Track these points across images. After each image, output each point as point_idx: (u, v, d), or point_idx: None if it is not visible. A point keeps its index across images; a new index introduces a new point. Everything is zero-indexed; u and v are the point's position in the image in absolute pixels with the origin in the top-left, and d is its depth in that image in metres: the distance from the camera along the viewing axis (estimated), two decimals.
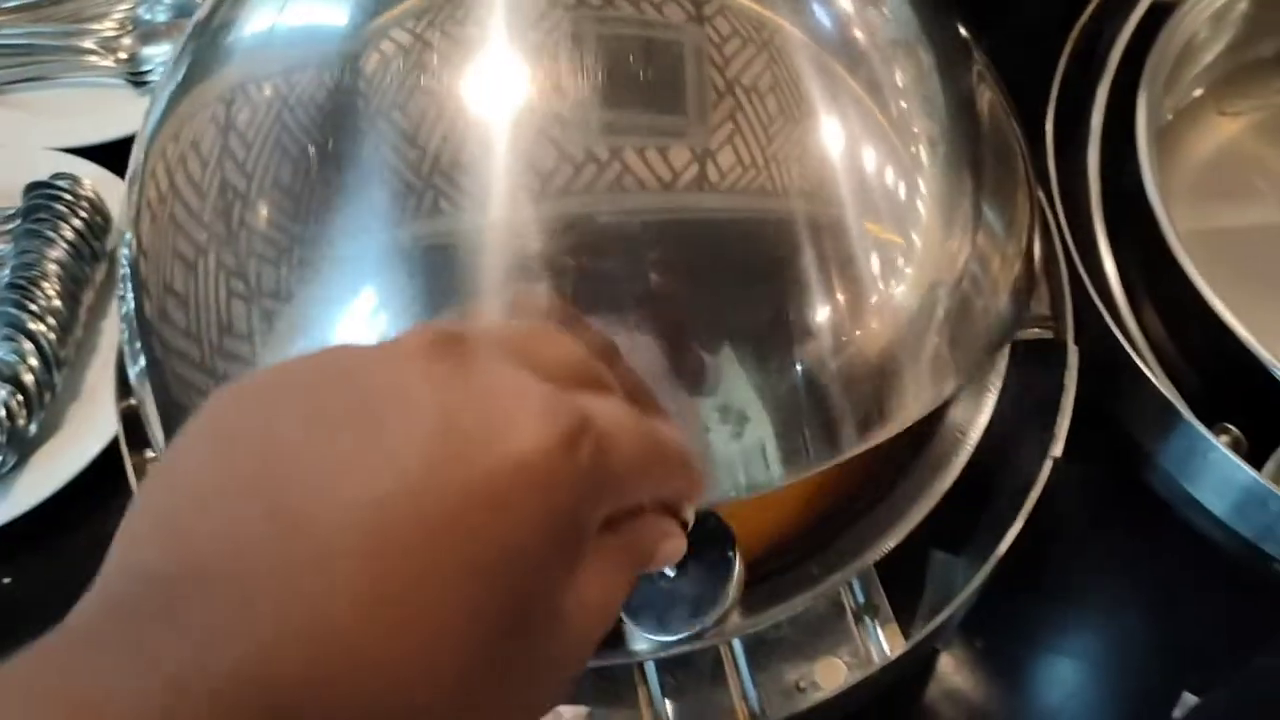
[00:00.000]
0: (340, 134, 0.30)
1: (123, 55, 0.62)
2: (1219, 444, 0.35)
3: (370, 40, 0.30)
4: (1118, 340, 0.37)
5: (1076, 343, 0.37)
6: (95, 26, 0.63)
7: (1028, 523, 0.44)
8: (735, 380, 0.29)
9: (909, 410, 0.31)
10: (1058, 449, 0.35)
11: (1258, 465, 0.36)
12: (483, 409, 0.19)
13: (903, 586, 0.38)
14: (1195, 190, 0.47)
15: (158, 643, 0.16)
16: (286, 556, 0.17)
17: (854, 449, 0.30)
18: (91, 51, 0.62)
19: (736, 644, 0.34)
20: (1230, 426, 0.36)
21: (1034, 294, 0.36)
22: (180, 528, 0.18)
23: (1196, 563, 0.43)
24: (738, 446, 0.29)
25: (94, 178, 0.54)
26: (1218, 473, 0.36)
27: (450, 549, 0.18)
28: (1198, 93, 0.48)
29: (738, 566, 0.27)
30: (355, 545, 0.18)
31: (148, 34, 0.63)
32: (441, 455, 0.18)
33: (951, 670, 0.49)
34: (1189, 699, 0.45)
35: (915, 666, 0.48)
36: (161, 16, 0.64)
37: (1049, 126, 0.41)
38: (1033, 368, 0.39)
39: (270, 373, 0.20)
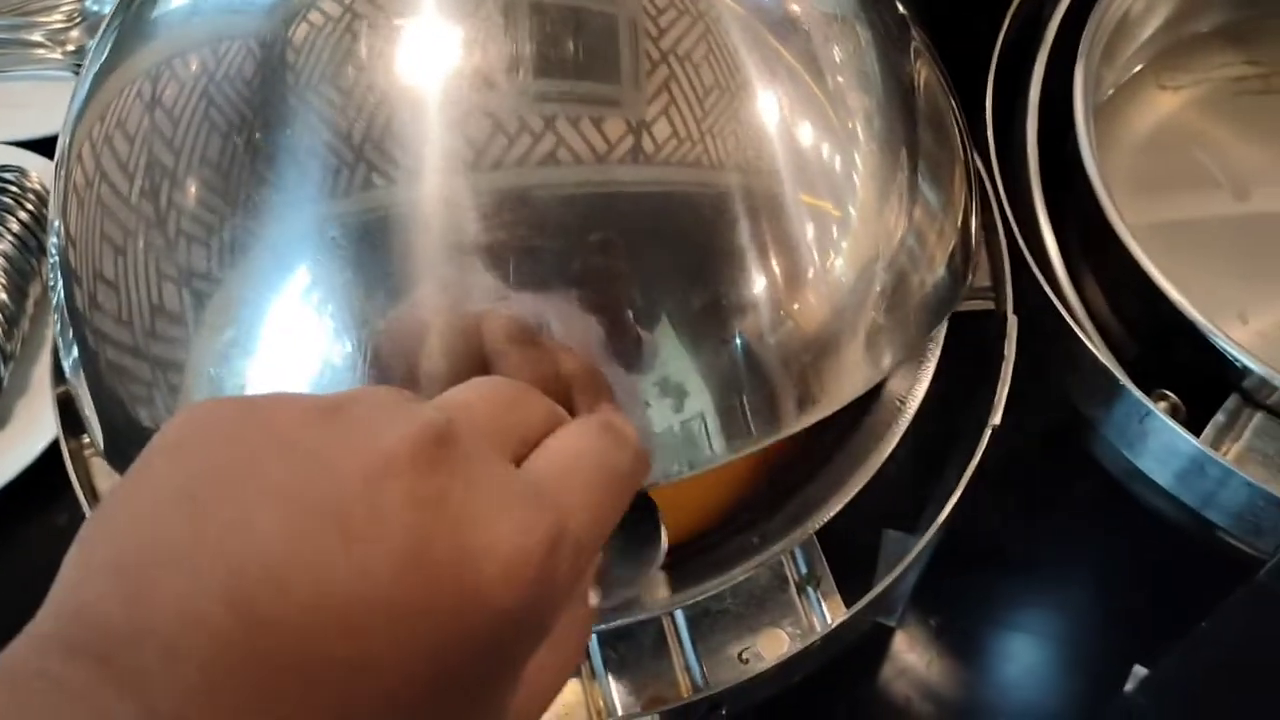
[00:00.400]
0: (269, 108, 0.29)
1: (70, 48, 0.62)
2: (1157, 410, 0.35)
3: (299, 10, 0.29)
4: (1057, 310, 0.37)
5: (1016, 313, 0.37)
6: (43, 19, 0.63)
7: (979, 497, 0.45)
8: (673, 354, 0.29)
9: (849, 385, 0.31)
10: (996, 417, 0.35)
11: (1197, 431, 0.36)
12: (458, 543, 0.19)
13: (858, 564, 0.38)
14: (1136, 162, 0.47)
15: (118, 710, 0.17)
16: (252, 653, 0.18)
17: (795, 425, 0.30)
18: (39, 44, 0.62)
19: (679, 616, 0.34)
20: (1168, 393, 0.37)
21: (972, 267, 0.36)
22: (145, 589, 0.18)
23: (1144, 532, 0.43)
24: (678, 422, 0.29)
25: (41, 170, 0.54)
26: (1157, 440, 0.36)
27: (416, 672, 0.19)
28: (1138, 68, 0.49)
29: (663, 539, 0.27)
30: (331, 654, 0.18)
31: (95, 26, 0.62)
32: (413, 582, 0.19)
33: (906, 648, 0.50)
34: (1139, 671, 0.45)
35: (865, 642, 0.49)
36: (109, 7, 0.63)
37: (988, 100, 0.41)
38: (976, 338, 0.39)
39: (247, 419, 0.21)
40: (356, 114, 0.28)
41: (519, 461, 0.22)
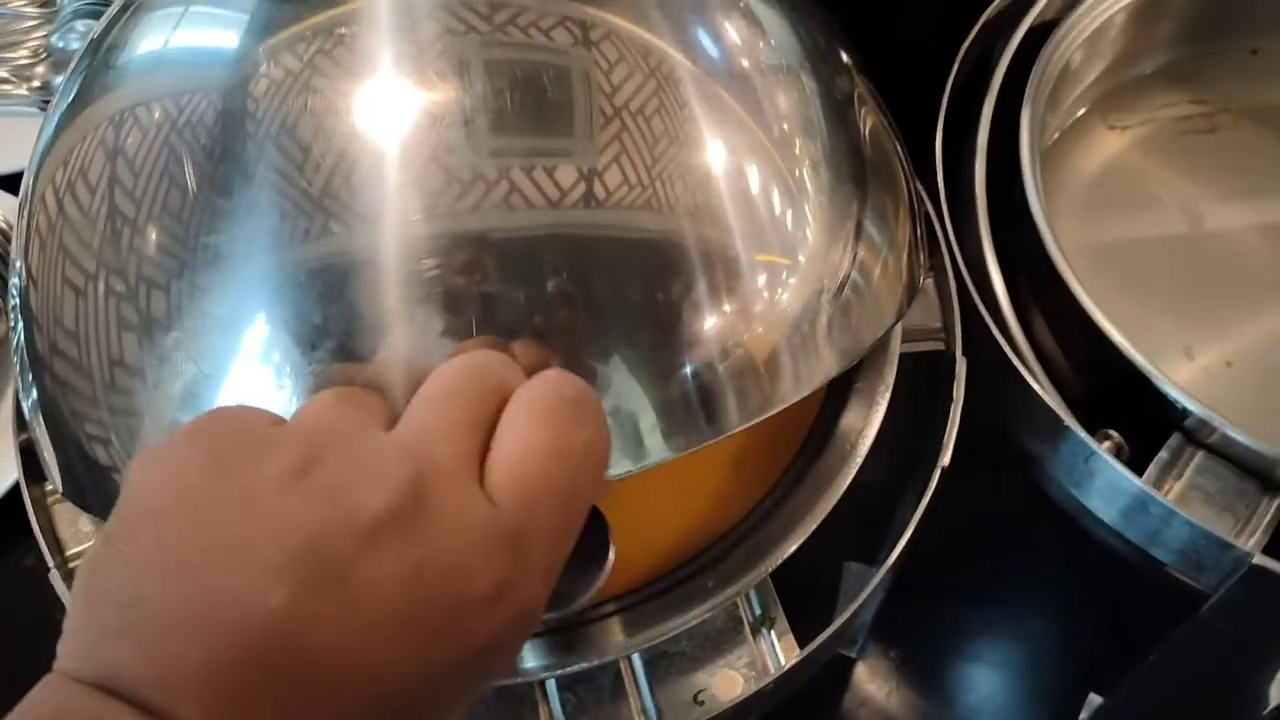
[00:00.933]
0: (229, 159, 0.30)
1: (36, 84, 0.62)
2: (1101, 450, 0.36)
3: (259, 64, 0.30)
4: (1003, 350, 0.38)
5: (965, 354, 0.38)
6: (8, 55, 0.63)
7: (936, 532, 0.46)
8: (626, 386, 0.30)
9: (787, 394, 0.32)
10: (946, 458, 0.36)
11: (1141, 470, 0.37)
12: (445, 594, 0.22)
13: (814, 602, 0.39)
14: (1084, 203, 0.48)
15: None
16: (277, 706, 0.20)
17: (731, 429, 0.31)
18: (4, 80, 0.62)
19: (636, 659, 0.34)
20: (1112, 433, 0.38)
21: (914, 299, 0.37)
22: (172, 657, 0.20)
23: (1096, 566, 0.44)
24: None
25: (6, 208, 0.54)
26: (1103, 479, 0.37)
27: (416, 707, 0.22)
28: (1081, 111, 0.50)
29: (611, 554, 0.28)
30: (347, 708, 0.21)
31: (61, 62, 0.62)
32: (410, 636, 0.21)
33: (867, 679, 0.50)
34: (1094, 700, 0.46)
35: (827, 673, 0.49)
36: (75, 44, 0.63)
37: (938, 144, 0.42)
38: (928, 378, 0.40)
39: (223, 485, 0.22)
40: (314, 166, 0.29)
41: (484, 454, 0.24)
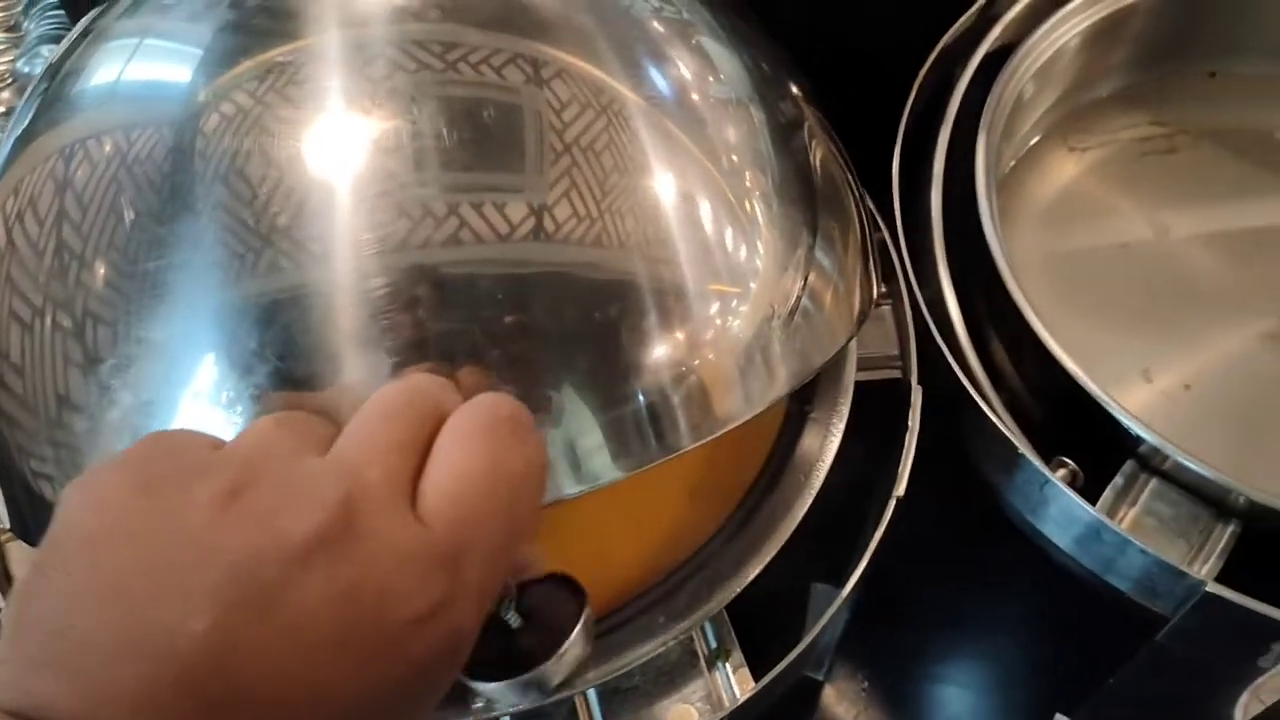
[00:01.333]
0: (179, 195, 0.30)
1: (1, 109, 0.62)
2: (1055, 479, 0.36)
3: (211, 100, 0.30)
4: (958, 377, 0.38)
5: (921, 383, 0.38)
6: None
7: (902, 555, 0.46)
8: (575, 416, 0.30)
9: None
10: (900, 488, 0.36)
11: (1096, 496, 0.37)
12: (378, 616, 0.22)
13: (781, 625, 0.39)
14: (1044, 225, 0.49)
15: None
16: None
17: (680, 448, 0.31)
18: None
19: (591, 695, 0.34)
20: (1067, 460, 0.38)
21: (864, 323, 0.37)
22: (101, 684, 0.20)
23: (1057, 590, 0.44)
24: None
25: None
26: (1057, 506, 0.37)
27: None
28: (1041, 134, 0.50)
29: (581, 621, 0.28)
30: None
31: (26, 88, 0.62)
32: (343, 659, 0.22)
33: (834, 702, 0.50)
34: None
35: (794, 696, 0.49)
36: (41, 70, 0.63)
37: (895, 171, 0.42)
38: (888, 405, 0.40)
39: (154, 511, 0.22)
40: (263, 201, 0.29)
41: (419, 476, 0.24)
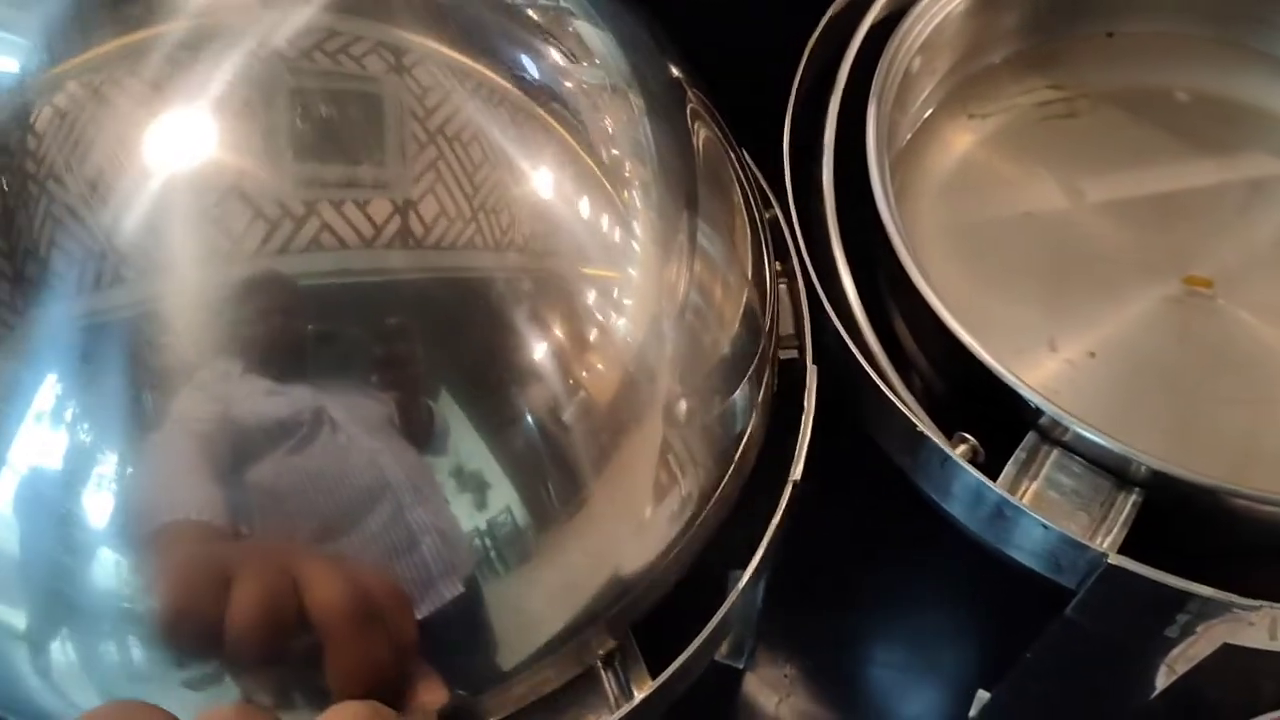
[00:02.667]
0: (8, 198, 0.28)
1: None
2: (954, 455, 0.35)
3: (42, 93, 0.28)
4: (853, 354, 0.37)
5: (816, 362, 0.37)
6: None
7: (817, 541, 0.45)
8: (466, 441, 0.28)
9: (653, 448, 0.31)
10: (796, 472, 0.35)
11: (997, 471, 0.36)
12: None
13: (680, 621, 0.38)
14: (945, 195, 0.48)
15: None
16: None
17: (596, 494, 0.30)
18: None
19: None
20: (967, 436, 0.37)
21: (769, 318, 0.36)
22: None
23: (969, 567, 0.43)
24: (483, 518, 0.29)
25: None
26: (958, 483, 0.36)
27: None
28: (932, 110, 0.49)
29: None
30: None
31: None
32: None
33: (756, 689, 0.50)
34: (983, 696, 0.46)
35: (714, 685, 0.48)
36: None
37: (785, 151, 0.41)
38: (790, 385, 0.39)
39: None
40: (104, 205, 0.27)
41: None
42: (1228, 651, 0.36)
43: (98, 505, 0.27)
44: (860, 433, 0.40)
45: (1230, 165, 0.48)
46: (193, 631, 0.27)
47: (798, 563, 0.47)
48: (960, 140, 0.49)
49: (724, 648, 0.48)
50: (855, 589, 0.49)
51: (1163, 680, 0.38)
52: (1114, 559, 0.33)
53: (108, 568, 0.27)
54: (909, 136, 0.48)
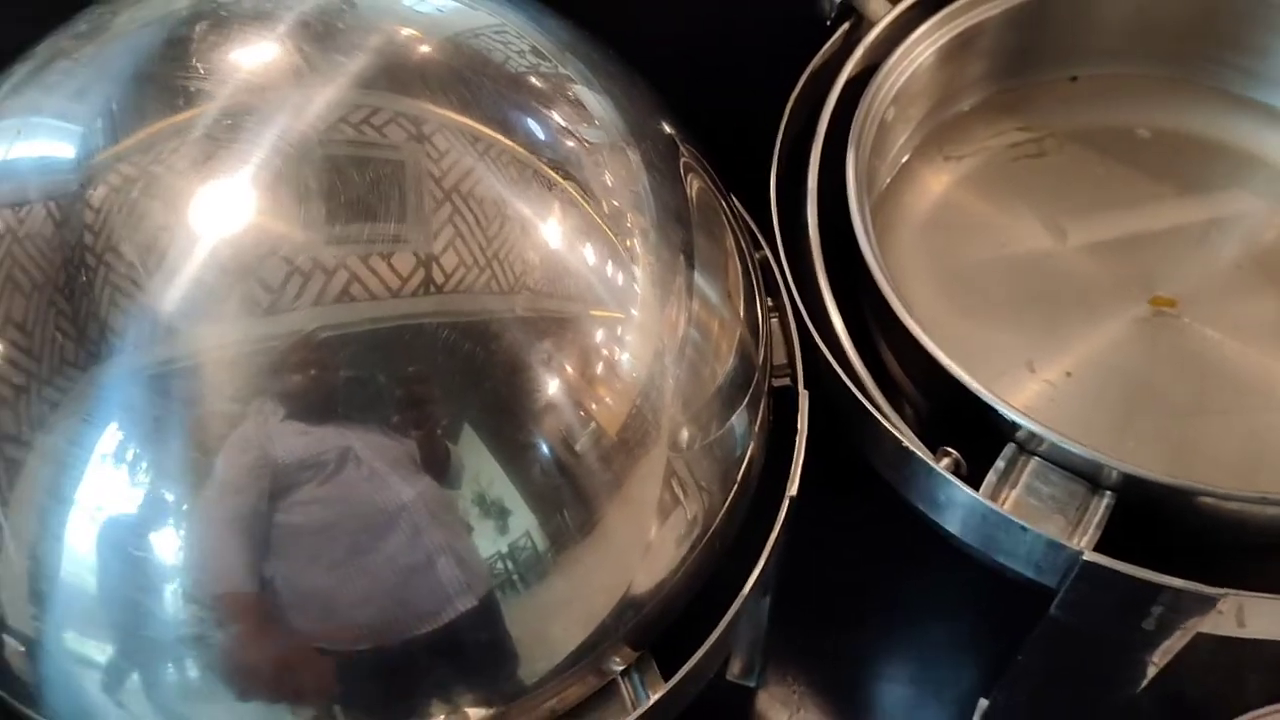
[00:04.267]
0: (70, 267, 0.31)
1: None
2: (939, 468, 0.38)
3: (97, 173, 0.31)
4: (840, 378, 0.40)
5: (811, 387, 0.40)
6: None
7: (819, 559, 0.47)
8: (486, 471, 0.31)
9: (654, 470, 0.34)
10: (793, 488, 0.38)
11: (980, 483, 0.39)
12: None
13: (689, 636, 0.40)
14: (926, 232, 0.51)
15: None
16: None
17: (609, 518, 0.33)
18: None
19: None
20: (950, 450, 0.40)
21: (763, 350, 0.39)
22: None
23: (962, 576, 0.46)
24: (505, 542, 0.32)
25: None
26: (944, 495, 0.39)
27: None
28: (909, 154, 0.53)
29: None
30: None
31: None
32: None
33: (768, 706, 0.52)
34: (984, 704, 0.48)
35: (728, 705, 0.51)
36: None
37: (772, 193, 0.45)
38: (785, 412, 0.42)
39: None
40: (154, 268, 0.30)
41: None
42: (1211, 648, 0.38)
43: (159, 547, 0.30)
44: (854, 455, 0.43)
45: (1189, 194, 0.51)
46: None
47: (803, 582, 0.50)
48: (938, 181, 0.53)
49: (735, 667, 0.50)
50: (857, 606, 0.52)
51: (1146, 674, 0.40)
52: (1089, 556, 0.36)
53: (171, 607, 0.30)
54: (889, 179, 0.52)
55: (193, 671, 0.31)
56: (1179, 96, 0.54)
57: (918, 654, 0.52)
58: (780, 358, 0.42)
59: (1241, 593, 0.35)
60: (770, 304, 0.43)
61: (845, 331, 0.42)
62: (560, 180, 0.35)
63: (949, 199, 0.52)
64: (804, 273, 0.43)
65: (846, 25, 0.50)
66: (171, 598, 0.30)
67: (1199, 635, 0.38)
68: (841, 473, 0.43)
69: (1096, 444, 0.38)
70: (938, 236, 0.51)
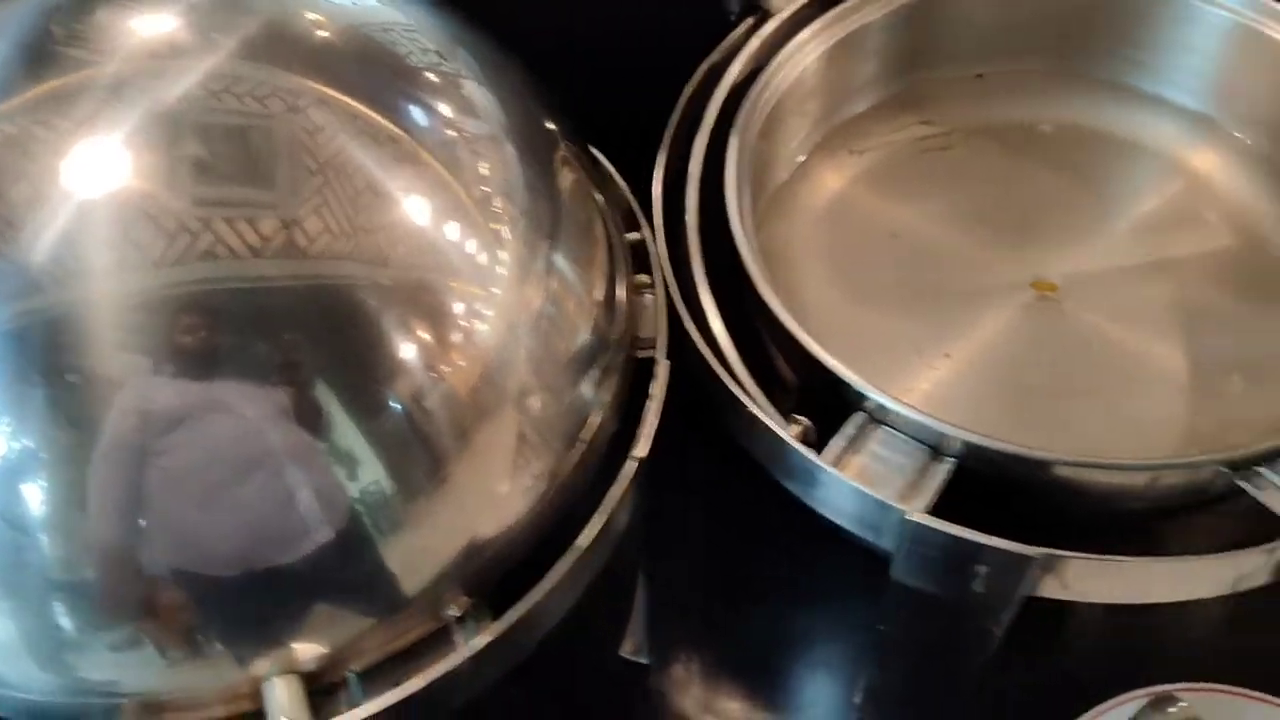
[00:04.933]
0: None
1: None
2: (782, 432, 0.40)
3: None
4: (703, 354, 0.42)
5: (672, 359, 0.42)
6: None
7: (710, 540, 0.49)
8: (341, 425, 0.34)
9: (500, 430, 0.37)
10: (639, 449, 0.39)
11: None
12: None
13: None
14: (826, 225, 0.53)
15: None
16: None
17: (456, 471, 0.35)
18: None
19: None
20: (800, 418, 0.41)
21: (615, 323, 0.41)
22: None
23: (836, 552, 0.47)
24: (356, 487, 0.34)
25: None
26: (791, 462, 0.40)
27: None
28: (808, 152, 0.55)
29: None
30: None
31: None
32: None
33: (663, 684, 0.53)
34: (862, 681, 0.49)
35: (621, 683, 0.52)
36: None
37: (656, 181, 0.47)
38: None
39: None
40: (23, 224, 0.33)
41: None
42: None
43: (29, 497, 0.32)
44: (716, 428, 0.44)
45: (1080, 184, 0.53)
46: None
47: (691, 561, 0.52)
48: (840, 175, 0.54)
49: (627, 645, 0.52)
50: (745, 584, 0.53)
51: (991, 642, 0.41)
52: (912, 515, 0.38)
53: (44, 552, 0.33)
54: (790, 173, 0.54)
55: (69, 618, 0.34)
56: (1078, 91, 0.55)
57: (804, 630, 0.53)
58: (650, 331, 0.44)
59: (1056, 551, 0.37)
60: (646, 281, 0.45)
61: (715, 309, 0.44)
62: (434, 163, 0.37)
63: (850, 192, 0.54)
64: (681, 255, 0.45)
65: (751, 20, 0.52)
66: (43, 546, 0.33)
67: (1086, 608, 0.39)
68: (720, 451, 0.45)
69: (976, 421, 0.40)
70: (836, 228, 0.53)
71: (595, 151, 0.48)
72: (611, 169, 0.48)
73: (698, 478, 0.49)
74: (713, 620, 0.53)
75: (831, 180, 0.54)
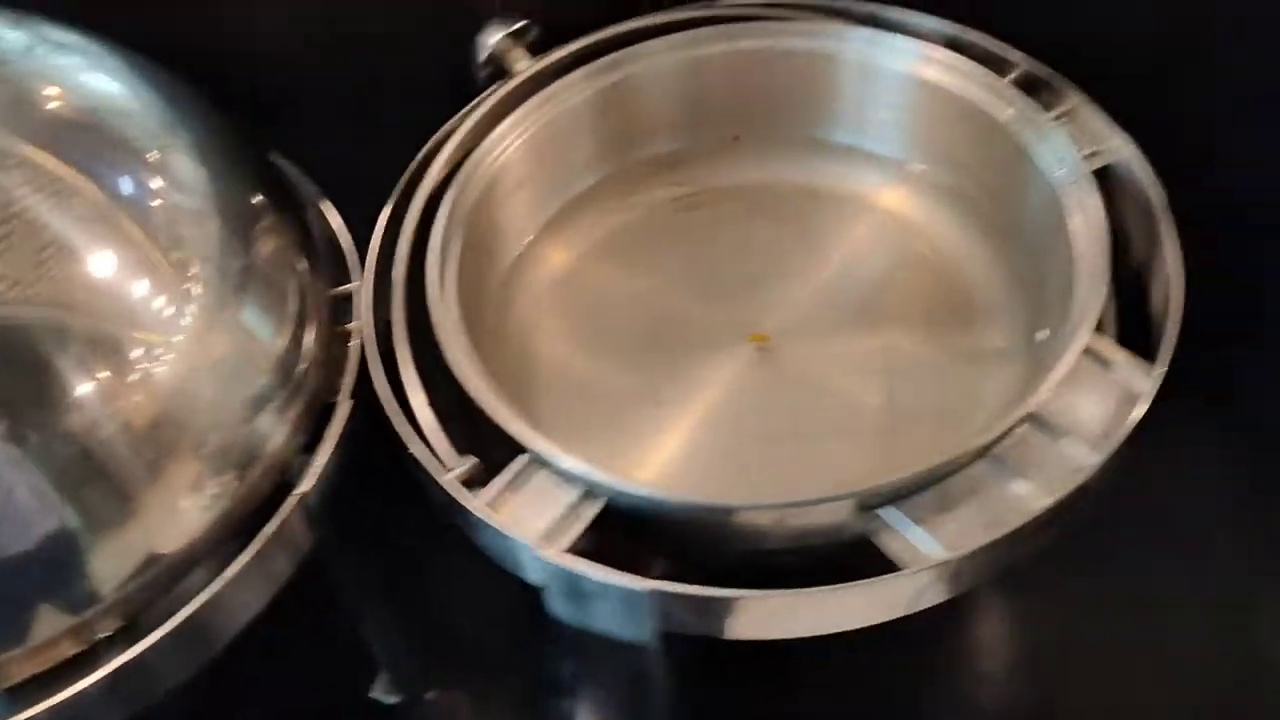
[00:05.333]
0: None
1: None
2: (440, 474, 0.42)
3: None
4: (376, 394, 0.45)
5: (352, 398, 0.45)
6: None
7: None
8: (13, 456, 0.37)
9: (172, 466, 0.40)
10: (303, 485, 0.42)
11: None
12: None
13: None
14: (566, 283, 0.56)
15: None
16: None
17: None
18: None
19: None
20: (471, 457, 0.43)
21: (301, 368, 0.44)
22: None
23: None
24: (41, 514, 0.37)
25: None
26: (445, 501, 0.42)
27: None
28: (529, 238, 0.57)
29: None
30: None
31: None
32: None
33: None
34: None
35: None
36: None
37: (374, 241, 0.50)
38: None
39: None
40: None
41: None
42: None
43: None
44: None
45: (802, 240, 0.56)
46: None
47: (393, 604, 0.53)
48: (584, 239, 0.57)
49: (376, 687, 0.53)
50: (436, 630, 0.54)
51: (657, 681, 0.42)
52: (540, 552, 0.39)
53: None
54: (524, 245, 0.57)
55: None
56: (812, 152, 0.58)
57: (504, 672, 0.53)
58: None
59: (665, 584, 0.38)
60: (348, 330, 0.48)
61: (410, 357, 0.46)
62: (130, 226, 0.41)
63: (595, 252, 0.57)
64: (383, 309, 0.48)
65: (497, 86, 0.55)
66: None
67: None
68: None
69: (688, 470, 0.44)
70: (577, 285, 0.56)
71: (328, 205, 0.52)
72: (339, 223, 0.51)
73: (393, 518, 0.50)
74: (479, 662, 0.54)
75: (576, 242, 0.57)
